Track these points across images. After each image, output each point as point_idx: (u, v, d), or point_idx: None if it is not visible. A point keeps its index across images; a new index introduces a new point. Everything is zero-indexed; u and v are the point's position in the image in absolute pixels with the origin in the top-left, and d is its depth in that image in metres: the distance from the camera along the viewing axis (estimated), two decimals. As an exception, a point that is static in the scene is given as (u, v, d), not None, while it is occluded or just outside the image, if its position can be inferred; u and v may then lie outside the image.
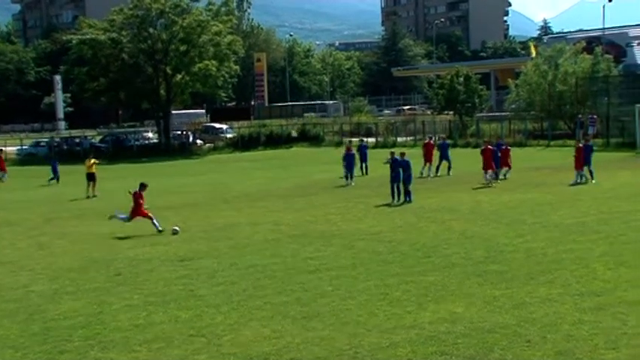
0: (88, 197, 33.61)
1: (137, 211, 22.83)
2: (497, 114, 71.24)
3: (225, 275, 16.33)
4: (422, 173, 35.21)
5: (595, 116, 53.10)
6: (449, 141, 42.68)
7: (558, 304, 12.72)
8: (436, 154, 37.06)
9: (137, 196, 22.97)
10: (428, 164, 36.41)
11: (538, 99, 58.25)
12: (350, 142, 41.94)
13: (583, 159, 31.24)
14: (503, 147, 34.39)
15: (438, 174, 36.00)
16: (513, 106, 63.20)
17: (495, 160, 32.70)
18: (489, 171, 31.71)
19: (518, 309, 12.56)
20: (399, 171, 27.55)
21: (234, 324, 12.58)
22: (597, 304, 12.59)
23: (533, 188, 29.62)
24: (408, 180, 27.53)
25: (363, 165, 38.29)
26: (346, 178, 34.63)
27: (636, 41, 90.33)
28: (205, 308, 13.65)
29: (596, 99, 53.99)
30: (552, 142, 52.12)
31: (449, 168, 36.46)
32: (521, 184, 31.09)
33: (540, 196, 26.99)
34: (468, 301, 13.26)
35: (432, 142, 39.16)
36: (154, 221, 22.47)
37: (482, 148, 32.63)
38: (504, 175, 33.28)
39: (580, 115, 54.38)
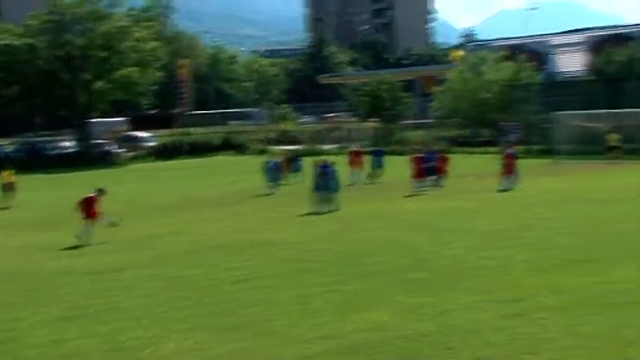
0: (3, 208, 32.80)
1: (91, 213, 22.46)
2: (422, 121, 72.30)
3: (146, 287, 16.15)
4: (351, 181, 35.53)
5: (517, 124, 54.47)
6: (384, 149, 42.94)
7: (480, 310, 12.98)
8: (369, 161, 37.51)
9: (91, 201, 22.53)
10: (356, 171, 36.77)
11: (462, 106, 59.40)
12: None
13: (513, 165, 32.03)
14: (439, 155, 35.11)
15: (373, 181, 36.42)
16: (437, 113, 64.32)
17: (428, 169, 33.32)
18: (421, 179, 32.15)
19: (440, 316, 12.77)
20: (324, 179, 27.71)
21: (156, 337, 12.44)
22: (518, 310, 12.88)
23: (458, 195, 30.17)
24: (333, 188, 27.72)
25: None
26: (271, 187, 34.68)
27: (556, 49, 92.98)
28: (126, 321, 13.46)
29: (518, 106, 55.35)
30: (476, 149, 53.18)
31: (378, 175, 36.87)
32: (447, 192, 31.65)
33: (465, 204, 27.52)
34: (391, 309, 13.42)
35: (359, 150, 39.55)
36: (89, 230, 22.24)
37: (413, 156, 33.04)
38: (437, 182, 33.89)
39: (503, 123, 55.68)
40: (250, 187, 36.64)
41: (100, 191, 23.26)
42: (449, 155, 36.83)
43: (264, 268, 17.61)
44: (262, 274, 16.83)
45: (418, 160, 32.34)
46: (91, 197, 22.81)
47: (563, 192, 29.66)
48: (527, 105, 54.36)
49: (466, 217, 24.00)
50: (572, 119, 46.51)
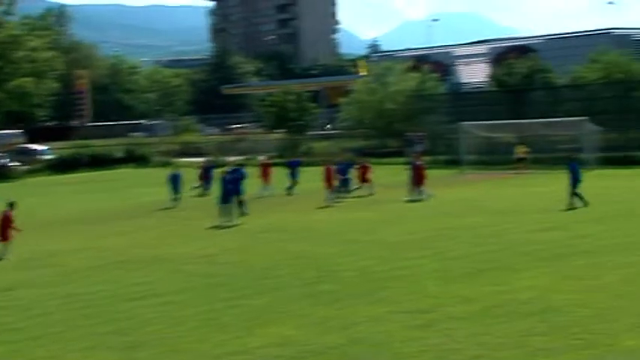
0: None
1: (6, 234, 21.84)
2: (328, 132, 72.88)
3: (44, 306, 15.66)
4: (261, 194, 35.53)
5: (422, 134, 55.47)
6: (300, 159, 42.88)
7: (388, 322, 13.09)
8: (285, 172, 37.55)
9: (7, 220, 22.01)
10: (266, 184, 36.75)
11: (368, 117, 60.15)
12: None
13: (422, 176, 32.55)
14: (361, 164, 35.65)
15: (291, 192, 36.44)
16: (344, 124, 64.92)
17: (344, 180, 33.69)
18: (332, 189, 32.28)
19: (348, 329, 12.82)
20: (229, 189, 27.55)
21: (55, 357, 12.09)
22: (426, 321, 13.06)
23: (367, 206, 30.49)
24: (238, 193, 27.75)
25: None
26: (174, 199, 34.23)
27: (460, 60, 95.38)
28: (24, 342, 13.03)
29: (423, 117, 56.39)
30: (383, 160, 53.91)
31: (290, 187, 36.88)
32: (355, 203, 31.95)
33: (373, 215, 27.83)
34: (299, 323, 13.40)
35: (268, 161, 39.56)
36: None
37: (325, 167, 33.19)
38: (355, 190, 34.44)
39: (409, 133, 56.63)
40: (154, 200, 36.06)
41: (11, 205, 22.71)
42: (369, 164, 37.39)
43: (169, 283, 17.33)
44: (167, 290, 16.55)
45: (330, 171, 32.51)
46: (6, 216, 22.20)
47: (468, 202, 30.37)
48: (432, 115, 55.47)
49: (375, 228, 24.26)
50: (476, 129, 47.76)
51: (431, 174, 34.66)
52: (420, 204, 30.53)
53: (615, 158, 44.21)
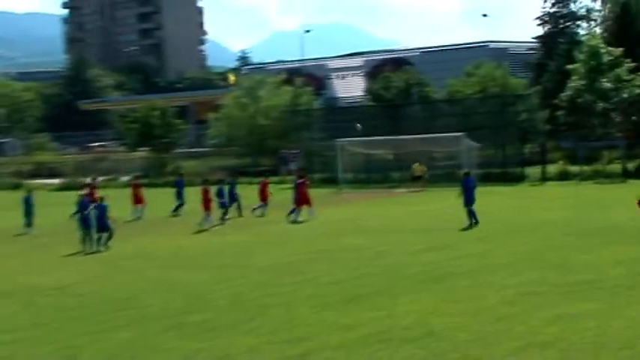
0: None
1: None
2: (197, 150, 72.32)
3: None
4: (133, 216, 35.02)
5: (297, 150, 55.92)
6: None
7: (263, 353, 13.01)
8: (149, 193, 37.03)
9: None
10: (137, 206, 36.27)
11: (239, 133, 60.12)
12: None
13: (305, 195, 32.70)
14: (263, 183, 36.27)
15: (179, 213, 35.92)
16: (213, 141, 64.64)
17: (223, 202, 33.66)
18: (209, 212, 31.92)
19: (221, 362, 12.68)
20: (89, 214, 26.84)
21: None
22: (303, 350, 13.05)
23: (239, 229, 30.37)
24: (103, 225, 26.98)
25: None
26: (27, 225, 33.03)
27: (335, 73, 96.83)
28: None
29: (298, 133, 56.82)
30: (255, 180, 53.86)
31: (177, 208, 36.27)
32: (227, 225, 31.77)
33: (246, 238, 27.75)
34: (165, 357, 13.15)
35: (139, 182, 39.14)
36: None
37: (202, 187, 32.80)
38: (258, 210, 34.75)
39: (283, 150, 56.95)
40: (5, 226, 34.68)
41: None
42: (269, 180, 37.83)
43: (20, 318, 16.66)
44: (19, 326, 15.90)
45: (208, 192, 32.19)
46: None
47: (346, 222, 30.76)
48: (307, 131, 55.93)
49: (249, 252, 24.19)
50: (352, 146, 48.57)
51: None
52: (296, 225, 30.69)
53: (493, 175, 46.04)
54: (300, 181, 33.44)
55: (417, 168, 46.19)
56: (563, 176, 46.10)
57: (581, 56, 49.25)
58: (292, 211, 32.35)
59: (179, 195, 37.41)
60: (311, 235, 27.55)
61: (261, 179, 37.98)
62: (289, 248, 24.62)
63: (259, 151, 59.79)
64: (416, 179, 45.89)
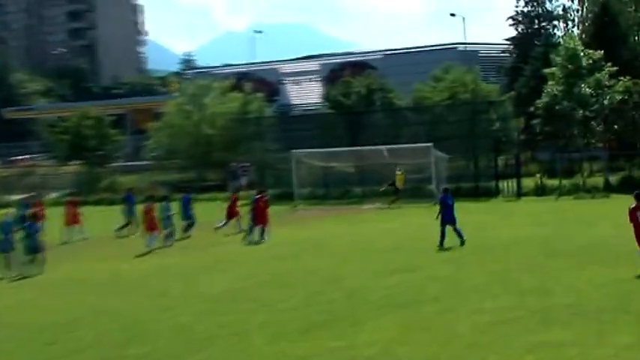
0: None
1: None
2: (135, 163, 71.81)
3: None
4: (69, 238, 34.92)
5: (247, 164, 55.81)
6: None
7: (213, 387, 12.99)
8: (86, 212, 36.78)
9: None
10: (72, 226, 36.01)
11: (183, 145, 59.82)
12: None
13: (263, 213, 32.67)
14: (233, 199, 36.53)
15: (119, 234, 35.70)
16: (154, 154, 64.23)
17: (187, 212, 34.29)
18: (154, 232, 31.71)
19: (165, 398, 12.61)
20: (9, 237, 26.61)
21: None
22: (257, 383, 13.05)
23: (183, 251, 30.24)
24: (33, 247, 26.74)
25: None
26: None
27: (289, 78, 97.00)
28: None
29: (248, 144, 56.69)
30: (201, 196, 53.65)
31: (189, 226, 35.95)
32: (177, 247, 31.64)
33: (192, 260, 27.62)
34: (104, 395, 13.05)
35: (76, 199, 38.90)
36: None
37: (146, 206, 32.57)
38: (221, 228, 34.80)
39: (232, 164, 56.78)
40: None
41: None
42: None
43: (-64, 354, 16.41)
44: None
45: (151, 211, 31.98)
46: None
47: (305, 243, 30.75)
48: (258, 142, 55.77)
49: (196, 277, 24.07)
50: (309, 158, 48.66)
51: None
52: (250, 247, 30.64)
53: (464, 189, 46.38)
54: (258, 197, 33.40)
55: (399, 177, 45.82)
56: (541, 191, 46.59)
57: (558, 59, 49.67)
58: (249, 231, 32.32)
59: (129, 212, 37.09)
60: (265, 257, 27.52)
61: (227, 194, 37.83)
62: (241, 272, 24.56)
63: (205, 164, 59.53)
64: (396, 191, 45.94)
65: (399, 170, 45.81)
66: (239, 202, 37.08)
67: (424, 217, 34.05)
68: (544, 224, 32.52)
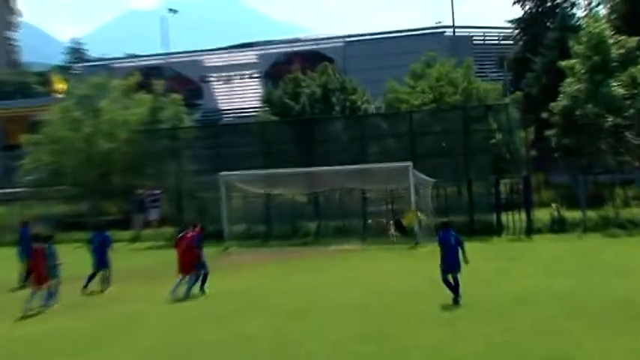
0: None
1: None
2: (4, 191, 71.10)
3: None
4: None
5: (158, 192, 55.47)
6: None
7: None
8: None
9: None
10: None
11: (71, 165, 59.31)
12: None
13: (193, 257, 32.52)
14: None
15: (88, 288, 35.21)
16: (32, 177, 63.61)
17: (103, 257, 34.12)
18: (42, 287, 31.32)
19: None
20: None
21: None
22: None
23: (71, 310, 29.90)
24: None
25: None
26: None
27: (216, 74, 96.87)
28: None
29: (160, 164, 56.22)
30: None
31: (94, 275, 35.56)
32: (59, 304, 31.28)
33: (77, 324, 27.29)
34: None
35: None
36: None
37: (35, 248, 32.13)
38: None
39: (138, 191, 56.41)
40: None
41: None
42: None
43: None
44: None
45: (40, 255, 31.55)
46: None
47: (235, 299, 30.53)
48: (174, 162, 55.36)
49: (86, 348, 23.78)
50: (245, 183, 48.44)
51: (175, 255, 34.52)
52: (167, 305, 30.38)
53: (456, 225, 45.85)
54: (186, 234, 33.25)
55: (410, 215, 45.25)
56: (558, 226, 46.76)
57: (580, 48, 49.84)
58: (178, 282, 32.15)
59: (101, 262, 36.46)
60: (184, 318, 27.27)
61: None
62: (148, 340, 24.28)
63: (101, 191, 59.11)
64: (399, 228, 45.80)
65: (411, 208, 45.42)
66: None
67: (401, 263, 34.05)
68: (562, 273, 32.59)
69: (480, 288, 29.38)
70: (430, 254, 36.95)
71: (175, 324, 26.63)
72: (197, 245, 32.91)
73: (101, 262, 34.85)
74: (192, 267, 32.54)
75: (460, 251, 27.40)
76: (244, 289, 32.91)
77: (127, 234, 49.84)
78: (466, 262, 27.21)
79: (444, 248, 27.43)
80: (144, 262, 34.76)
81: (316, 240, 47.83)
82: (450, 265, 27.16)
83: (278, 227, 50.55)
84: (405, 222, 45.70)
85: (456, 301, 26.68)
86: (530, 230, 46.63)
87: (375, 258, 40.05)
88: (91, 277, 34.65)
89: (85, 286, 34.16)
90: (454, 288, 27.03)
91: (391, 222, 46.75)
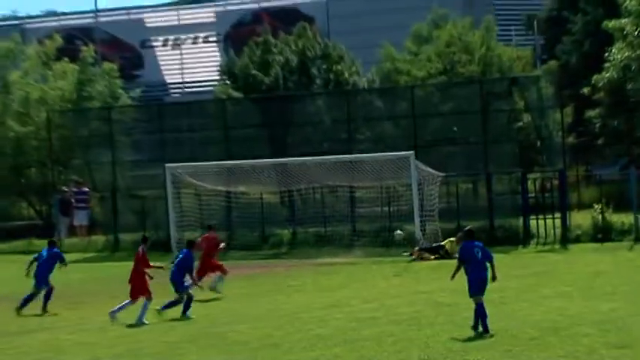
0: None
1: None
2: None
3: None
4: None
5: (87, 189, 55.48)
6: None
7: None
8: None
9: None
10: None
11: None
12: None
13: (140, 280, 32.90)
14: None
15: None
16: None
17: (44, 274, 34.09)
18: None
19: None
20: None
21: None
22: None
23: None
24: None
25: None
26: None
27: (161, 37, 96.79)
28: None
29: (88, 153, 56.20)
30: (6, 246, 53.43)
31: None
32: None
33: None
34: None
35: None
36: None
37: None
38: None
39: (61, 187, 56.42)
40: None
41: None
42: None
43: None
44: None
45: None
46: None
47: (188, 328, 30.75)
48: (107, 150, 55.26)
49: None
50: (197, 177, 48.50)
51: (108, 269, 34.91)
52: (99, 333, 30.57)
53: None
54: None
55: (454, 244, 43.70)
56: (603, 234, 46.87)
57: (633, 4, 49.84)
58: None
59: (42, 282, 36.79)
60: (115, 354, 27.45)
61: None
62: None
63: (13, 188, 59.21)
64: (432, 250, 44.75)
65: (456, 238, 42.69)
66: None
67: (397, 281, 34.37)
68: (606, 293, 32.76)
69: (501, 312, 29.61)
70: (433, 270, 37.46)
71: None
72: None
73: (44, 279, 35.30)
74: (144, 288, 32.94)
75: (489, 267, 27.11)
76: (197, 316, 33.07)
77: (38, 243, 49.83)
78: (494, 279, 27.10)
79: (468, 264, 27.18)
80: (70, 278, 34.69)
81: (291, 251, 47.99)
82: (479, 284, 26.87)
83: (242, 235, 50.53)
84: (447, 247, 44.55)
85: (485, 332, 26.40)
86: (566, 239, 46.78)
87: (364, 274, 40.24)
88: (29, 299, 35.06)
89: (21, 308, 34.68)
90: (480, 315, 26.65)
91: (426, 249, 45.26)
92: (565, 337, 25.79)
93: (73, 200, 55.74)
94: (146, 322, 32.01)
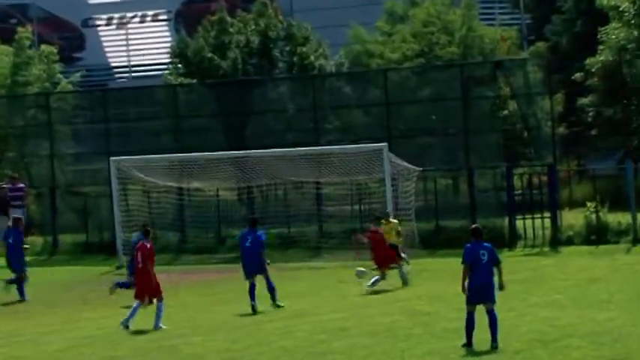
0: None
1: None
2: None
3: None
4: None
5: (22, 185, 55.52)
6: None
7: None
8: None
9: None
10: None
11: None
12: None
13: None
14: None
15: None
16: None
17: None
18: None
19: None
20: None
21: None
22: None
23: None
24: None
25: None
26: None
27: (105, 15, 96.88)
28: None
29: (24, 144, 56.19)
30: None
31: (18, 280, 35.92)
32: None
33: None
34: None
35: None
36: None
37: None
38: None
39: (3, 183, 56.48)
40: None
41: None
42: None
43: None
44: None
45: None
46: None
47: (137, 340, 30.85)
48: (44, 141, 55.20)
49: None
50: (146, 172, 48.52)
51: (46, 274, 34.90)
52: (36, 347, 30.63)
53: (450, 232, 46.76)
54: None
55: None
56: (597, 235, 47.07)
57: (630, -20, 50.13)
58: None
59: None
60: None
61: None
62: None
63: None
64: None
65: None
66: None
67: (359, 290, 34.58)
68: (601, 301, 33.01)
69: (484, 323, 29.81)
70: (410, 274, 37.56)
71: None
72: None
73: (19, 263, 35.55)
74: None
75: (496, 272, 26.99)
76: (145, 328, 33.14)
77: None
78: (501, 287, 27.12)
79: (474, 266, 26.94)
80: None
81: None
82: (480, 291, 26.68)
83: (196, 236, 50.59)
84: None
85: (469, 344, 26.38)
86: (557, 241, 46.98)
87: (333, 280, 40.37)
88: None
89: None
90: (492, 324, 26.61)
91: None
92: (554, 350, 26.02)
93: (8, 196, 55.70)
94: (164, 326, 32.21)
